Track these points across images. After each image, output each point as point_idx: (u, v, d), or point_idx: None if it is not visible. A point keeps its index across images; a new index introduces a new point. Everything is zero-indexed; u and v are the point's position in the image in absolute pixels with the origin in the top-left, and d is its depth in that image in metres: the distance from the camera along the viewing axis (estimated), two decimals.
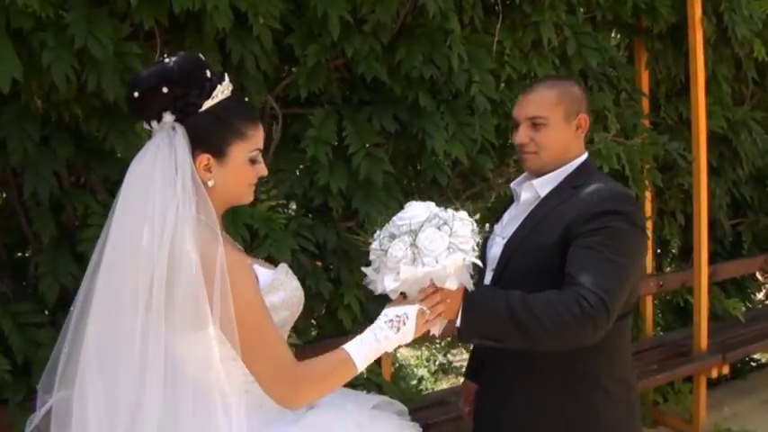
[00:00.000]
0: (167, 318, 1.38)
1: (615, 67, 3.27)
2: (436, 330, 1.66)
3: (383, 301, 1.65)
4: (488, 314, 1.65)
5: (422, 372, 4.91)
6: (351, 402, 1.63)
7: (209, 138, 1.47)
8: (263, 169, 1.57)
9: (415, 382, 4.65)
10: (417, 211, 1.62)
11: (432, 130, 2.51)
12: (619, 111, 3.20)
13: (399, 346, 1.61)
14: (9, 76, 1.81)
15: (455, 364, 5.07)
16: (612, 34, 3.53)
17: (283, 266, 1.61)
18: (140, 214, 1.41)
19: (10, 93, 2.02)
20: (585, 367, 1.78)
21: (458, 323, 1.65)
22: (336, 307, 2.64)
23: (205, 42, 2.26)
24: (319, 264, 2.61)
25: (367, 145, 2.51)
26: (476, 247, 1.60)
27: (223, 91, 1.50)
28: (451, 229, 1.57)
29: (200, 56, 1.53)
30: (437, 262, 1.54)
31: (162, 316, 1.37)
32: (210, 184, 1.49)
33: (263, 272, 1.55)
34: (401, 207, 1.76)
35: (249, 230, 2.34)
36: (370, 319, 2.65)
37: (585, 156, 1.92)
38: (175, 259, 1.38)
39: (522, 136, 1.88)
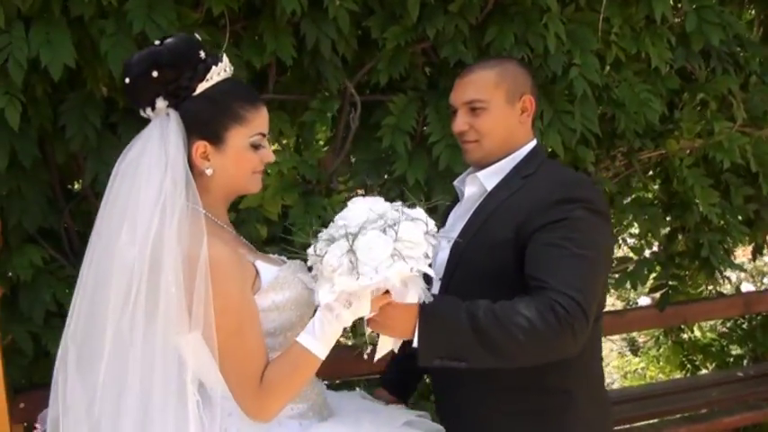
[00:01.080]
0: (152, 319, 1.29)
1: (744, 46, 2.86)
2: (395, 347, 1.48)
3: None
4: (449, 330, 1.42)
5: None
6: (371, 418, 1.48)
7: (204, 123, 1.37)
8: (268, 155, 1.45)
9: None
10: (359, 210, 1.41)
11: None
12: (746, 96, 2.79)
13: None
14: (61, 64, 1.74)
15: None
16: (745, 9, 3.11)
17: (292, 264, 1.47)
18: (125, 208, 1.32)
19: (76, 80, 2.00)
20: (557, 382, 1.56)
21: (414, 343, 1.42)
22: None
23: (279, 27, 2.13)
24: None
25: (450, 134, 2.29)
26: (429, 254, 1.37)
27: (219, 73, 1.39)
28: (396, 233, 1.34)
29: (195, 36, 1.42)
30: (377, 272, 1.32)
31: (143, 316, 1.29)
32: (209, 172, 1.38)
33: (268, 268, 1.42)
34: None
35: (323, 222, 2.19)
36: None
37: (535, 142, 1.70)
38: (156, 259, 1.28)
39: (459, 123, 1.69)
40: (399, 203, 1.43)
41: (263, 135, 1.44)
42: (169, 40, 1.38)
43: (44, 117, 1.93)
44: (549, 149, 2.33)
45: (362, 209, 1.41)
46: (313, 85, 2.33)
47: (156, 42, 1.38)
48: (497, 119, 1.66)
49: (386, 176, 2.41)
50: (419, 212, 1.41)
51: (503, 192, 1.62)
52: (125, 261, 1.29)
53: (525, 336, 1.37)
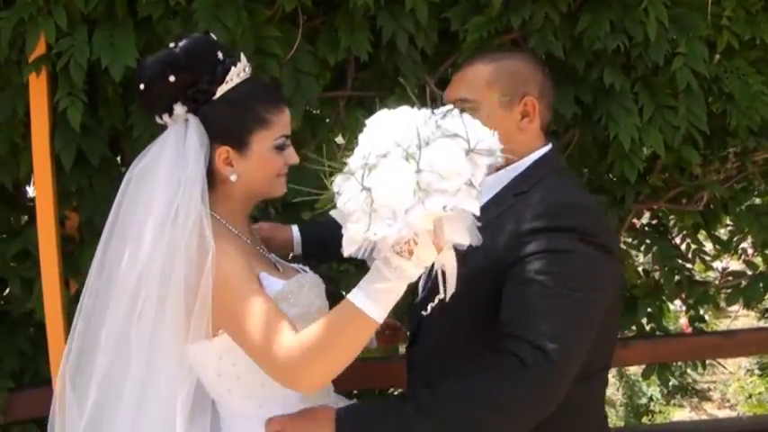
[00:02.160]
0: (158, 327, 1.26)
1: None
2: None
3: None
4: None
5: (652, 390, 4.16)
6: None
7: (226, 128, 1.31)
8: (292, 156, 1.38)
9: (644, 401, 4.06)
10: (380, 129, 1.11)
11: (618, 114, 2.03)
12: None
13: None
14: (122, 65, 1.72)
15: (698, 386, 4.35)
16: None
17: (301, 278, 1.38)
18: (137, 214, 1.29)
19: None
20: None
21: None
22: None
23: (355, 21, 2.03)
24: None
25: None
26: (476, 181, 1.06)
27: (239, 73, 1.33)
28: (418, 162, 1.02)
29: (211, 36, 1.36)
30: (395, 218, 1.03)
31: (149, 324, 1.26)
32: (233, 179, 1.33)
33: (273, 282, 1.34)
34: None
35: None
36: None
37: (542, 152, 1.49)
38: (167, 268, 1.25)
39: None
40: (436, 112, 1.15)
41: (287, 137, 1.38)
42: (184, 42, 1.32)
43: (115, 116, 1.93)
44: (650, 149, 2.11)
45: (385, 126, 1.13)
46: (392, 80, 2.22)
47: (171, 45, 1.32)
48: (489, 123, 1.33)
49: None
50: (461, 123, 1.11)
51: (492, 210, 1.38)
52: (134, 269, 1.26)
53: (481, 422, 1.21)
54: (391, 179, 1.05)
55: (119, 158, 2.06)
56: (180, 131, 1.32)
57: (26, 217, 2.05)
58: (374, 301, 1.14)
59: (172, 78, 1.29)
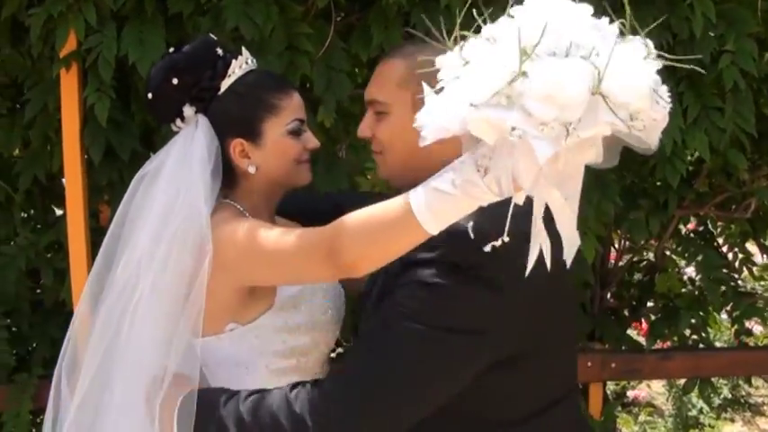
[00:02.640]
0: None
1: None
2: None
3: None
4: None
5: (702, 403, 3.87)
6: None
7: (236, 120, 1.30)
8: (310, 141, 1.36)
9: (693, 413, 3.87)
10: (539, 13, 0.90)
11: None
12: None
13: None
14: (149, 61, 1.73)
15: (751, 400, 4.14)
16: None
17: (320, 286, 1.35)
18: (142, 214, 1.30)
19: None
20: None
21: None
22: None
23: (389, 17, 2.00)
24: None
25: None
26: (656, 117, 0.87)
27: (241, 65, 1.32)
28: (603, 69, 0.82)
29: (210, 36, 1.36)
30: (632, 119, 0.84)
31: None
32: (252, 170, 1.32)
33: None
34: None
35: None
36: None
37: None
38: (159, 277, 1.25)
39: (361, 127, 1.32)
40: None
41: (301, 121, 1.36)
42: (185, 47, 1.34)
43: (146, 112, 1.94)
44: (694, 152, 2.00)
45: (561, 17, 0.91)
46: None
47: (171, 50, 1.34)
48: (397, 129, 1.24)
49: None
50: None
51: None
52: (128, 270, 1.27)
53: None
54: (562, 72, 0.85)
55: (152, 154, 2.09)
56: (189, 133, 1.32)
57: (61, 209, 2.10)
58: (428, 205, 0.99)
59: (175, 81, 1.29)
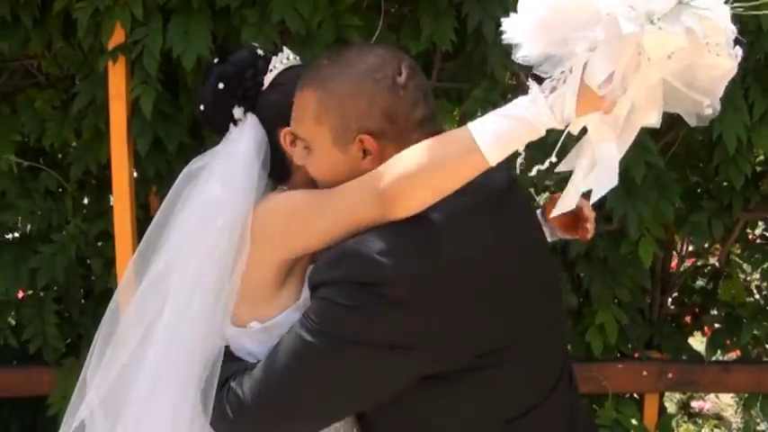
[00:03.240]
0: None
1: None
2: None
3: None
4: None
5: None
6: None
7: (282, 109, 1.26)
8: None
9: (762, 427, 3.56)
10: None
11: (724, 111, 1.78)
12: None
13: None
14: (195, 54, 1.73)
15: None
16: None
17: None
18: (187, 215, 1.27)
19: None
20: None
21: None
22: (586, 326, 2.14)
23: (440, 9, 1.94)
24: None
25: None
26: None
27: (282, 61, 1.31)
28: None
29: (253, 44, 1.38)
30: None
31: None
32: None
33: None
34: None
35: None
36: (627, 348, 2.16)
37: None
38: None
39: (294, 157, 1.23)
40: None
41: None
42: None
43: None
44: (761, 154, 1.87)
45: None
46: (479, 72, 2.11)
47: (216, 61, 1.35)
48: (324, 166, 1.18)
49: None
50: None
51: None
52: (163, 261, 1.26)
53: None
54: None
55: (200, 146, 2.10)
56: (238, 130, 1.30)
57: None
58: (491, 131, 0.99)
59: (220, 86, 1.29)
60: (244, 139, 1.28)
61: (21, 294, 2.11)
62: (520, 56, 1.02)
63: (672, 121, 2.04)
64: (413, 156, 1.06)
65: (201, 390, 1.19)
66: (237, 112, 1.30)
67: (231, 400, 1.14)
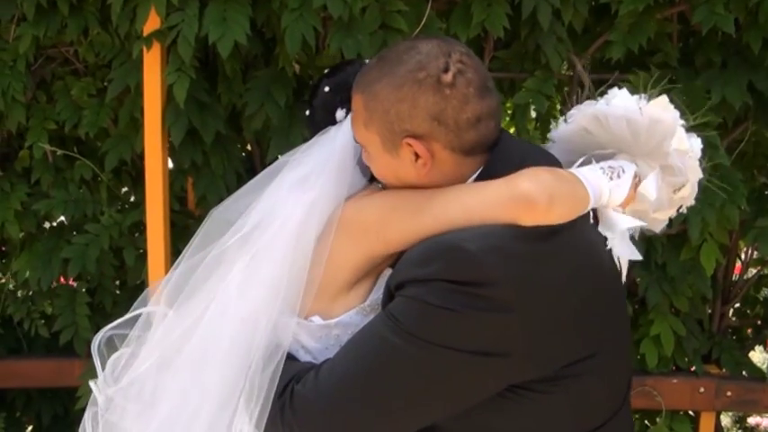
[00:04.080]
0: None
1: None
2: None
3: None
4: None
5: None
6: None
7: None
8: None
9: None
10: None
11: None
12: None
13: None
14: (231, 41, 1.65)
15: None
16: None
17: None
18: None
19: (266, 58, 1.93)
20: None
21: None
22: (641, 337, 2.00)
23: None
24: None
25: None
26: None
27: None
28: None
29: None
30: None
31: None
32: None
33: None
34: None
35: None
36: (684, 361, 2.02)
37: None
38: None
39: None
40: None
41: None
42: None
43: (235, 94, 1.89)
44: None
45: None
46: (533, 61, 1.99)
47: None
48: (384, 170, 1.15)
49: None
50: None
51: None
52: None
53: None
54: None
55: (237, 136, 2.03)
56: (334, 130, 1.25)
57: None
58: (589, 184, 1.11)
59: (326, 89, 1.26)
60: (341, 133, 1.23)
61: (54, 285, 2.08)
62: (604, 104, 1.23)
63: (739, 116, 1.92)
64: (550, 174, 1.07)
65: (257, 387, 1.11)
66: (340, 114, 1.25)
67: (297, 407, 1.06)
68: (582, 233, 1.12)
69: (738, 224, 1.86)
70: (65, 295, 2.04)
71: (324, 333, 1.16)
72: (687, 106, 1.85)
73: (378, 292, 1.19)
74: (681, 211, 1.33)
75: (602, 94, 2.03)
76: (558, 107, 2.26)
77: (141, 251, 1.97)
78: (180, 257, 1.22)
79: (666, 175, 1.24)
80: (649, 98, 1.23)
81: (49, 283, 2.00)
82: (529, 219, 1.03)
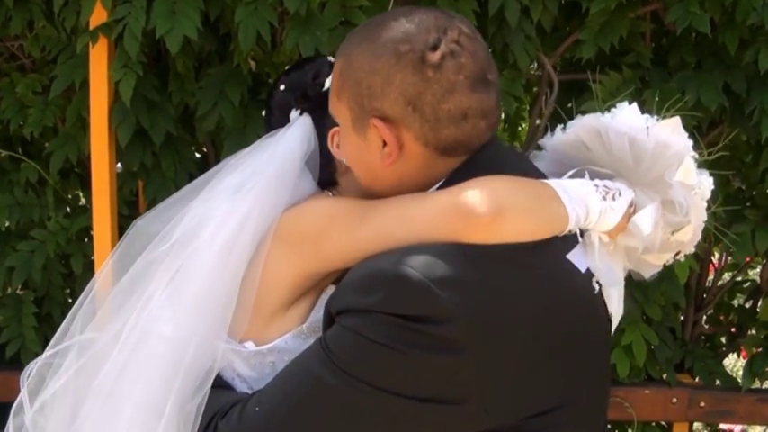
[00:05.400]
0: None
1: None
2: None
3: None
4: None
5: None
6: None
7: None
8: None
9: None
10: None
11: None
12: None
13: None
14: (180, 36, 1.56)
15: None
16: None
17: None
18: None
19: (221, 54, 1.84)
20: None
21: None
22: (612, 347, 1.93)
23: None
24: None
25: None
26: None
27: None
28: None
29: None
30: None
31: None
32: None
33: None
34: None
35: None
36: (656, 370, 1.96)
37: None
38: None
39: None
40: None
41: None
42: None
43: (187, 93, 1.80)
44: None
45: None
46: (501, 60, 1.92)
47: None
48: (350, 152, 1.02)
49: None
50: None
51: None
52: None
53: None
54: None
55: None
56: (282, 130, 1.17)
57: None
58: (571, 201, 0.97)
59: (282, 87, 1.20)
60: (287, 135, 1.15)
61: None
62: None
63: (714, 118, 1.87)
64: (513, 188, 0.95)
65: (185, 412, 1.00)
66: (294, 114, 1.17)
67: None
68: (560, 260, 0.97)
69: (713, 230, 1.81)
70: (11, 305, 1.93)
71: (257, 360, 1.06)
72: (660, 108, 1.83)
73: (318, 312, 1.08)
74: (678, 258, 1.18)
75: (571, 95, 2.02)
76: (527, 108, 2.21)
77: (91, 258, 1.87)
78: (97, 273, 1.12)
79: (666, 212, 1.09)
80: (661, 118, 1.11)
81: None
82: (469, 234, 0.90)
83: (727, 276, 2.14)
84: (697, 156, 1.10)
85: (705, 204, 1.12)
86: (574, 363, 0.96)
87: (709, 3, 1.68)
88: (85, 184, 1.94)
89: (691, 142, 1.09)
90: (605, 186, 1.01)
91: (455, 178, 0.98)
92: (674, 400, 1.86)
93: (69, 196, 1.97)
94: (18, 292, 1.96)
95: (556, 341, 0.93)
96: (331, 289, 1.08)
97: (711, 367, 1.95)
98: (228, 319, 1.04)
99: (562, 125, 1.21)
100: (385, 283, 0.87)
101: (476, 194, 0.91)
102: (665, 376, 1.94)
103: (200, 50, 1.82)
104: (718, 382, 1.97)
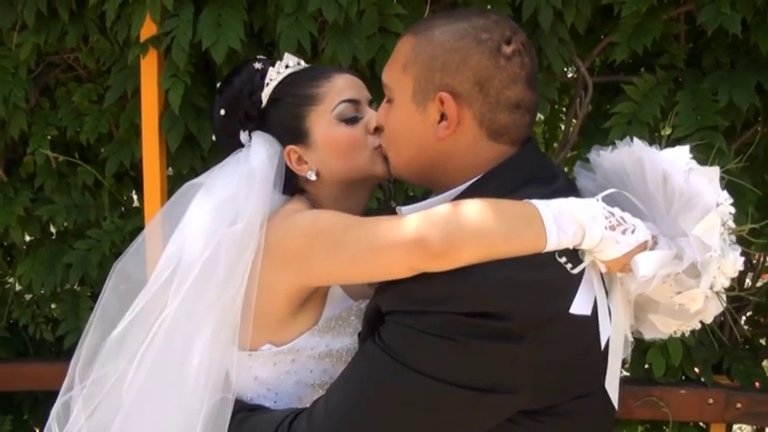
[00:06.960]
0: None
1: None
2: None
3: None
4: None
5: None
6: None
7: (282, 127, 1.19)
8: (371, 121, 1.18)
9: None
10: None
11: None
12: None
13: None
14: (225, 46, 1.65)
15: None
16: None
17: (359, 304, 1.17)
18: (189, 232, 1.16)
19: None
20: None
21: None
22: (647, 346, 1.94)
23: None
24: None
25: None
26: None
27: (278, 71, 1.22)
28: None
29: (252, 58, 1.29)
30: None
31: None
32: (311, 176, 1.18)
33: (336, 302, 1.15)
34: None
35: None
36: (693, 369, 1.96)
37: (479, 177, 1.06)
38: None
39: (374, 115, 1.18)
40: None
41: (351, 101, 1.19)
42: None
43: None
44: None
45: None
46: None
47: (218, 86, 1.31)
48: (399, 121, 1.07)
49: None
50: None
51: None
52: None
53: None
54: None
55: None
56: (245, 152, 1.22)
57: None
58: (556, 219, 0.96)
59: (222, 112, 1.24)
60: (255, 154, 1.20)
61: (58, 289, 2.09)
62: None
63: (748, 119, 1.85)
64: (476, 212, 0.96)
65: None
66: (243, 137, 1.23)
67: None
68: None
69: (749, 230, 1.80)
70: (68, 300, 2.06)
71: (278, 359, 1.13)
72: (694, 109, 1.83)
73: (331, 308, 1.15)
74: (678, 332, 1.15)
75: (608, 96, 2.03)
76: (564, 110, 2.22)
77: None
78: (90, 320, 1.21)
79: (682, 272, 1.03)
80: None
81: (53, 287, 2.02)
82: (423, 264, 0.95)
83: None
84: (732, 218, 1.08)
85: (725, 281, 1.05)
86: (597, 352, 1.02)
87: (741, 3, 1.68)
88: (138, 187, 2.05)
89: (725, 199, 1.06)
90: (621, 218, 1.00)
91: (505, 167, 1.06)
92: (711, 400, 1.85)
93: (123, 198, 2.08)
94: (75, 288, 2.08)
95: (585, 337, 1.00)
96: (336, 287, 1.15)
97: (750, 369, 1.94)
98: (239, 332, 1.11)
99: (614, 144, 1.18)
100: (441, 282, 0.94)
101: (436, 226, 0.95)
102: (702, 379, 1.94)
103: (245, 59, 1.90)
104: (756, 384, 1.95)
